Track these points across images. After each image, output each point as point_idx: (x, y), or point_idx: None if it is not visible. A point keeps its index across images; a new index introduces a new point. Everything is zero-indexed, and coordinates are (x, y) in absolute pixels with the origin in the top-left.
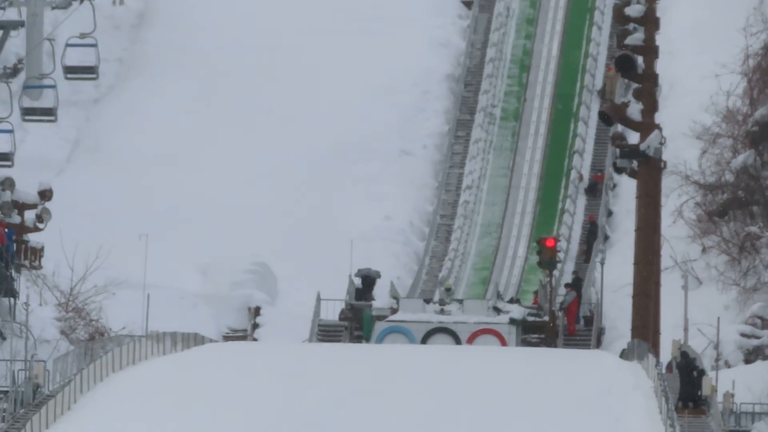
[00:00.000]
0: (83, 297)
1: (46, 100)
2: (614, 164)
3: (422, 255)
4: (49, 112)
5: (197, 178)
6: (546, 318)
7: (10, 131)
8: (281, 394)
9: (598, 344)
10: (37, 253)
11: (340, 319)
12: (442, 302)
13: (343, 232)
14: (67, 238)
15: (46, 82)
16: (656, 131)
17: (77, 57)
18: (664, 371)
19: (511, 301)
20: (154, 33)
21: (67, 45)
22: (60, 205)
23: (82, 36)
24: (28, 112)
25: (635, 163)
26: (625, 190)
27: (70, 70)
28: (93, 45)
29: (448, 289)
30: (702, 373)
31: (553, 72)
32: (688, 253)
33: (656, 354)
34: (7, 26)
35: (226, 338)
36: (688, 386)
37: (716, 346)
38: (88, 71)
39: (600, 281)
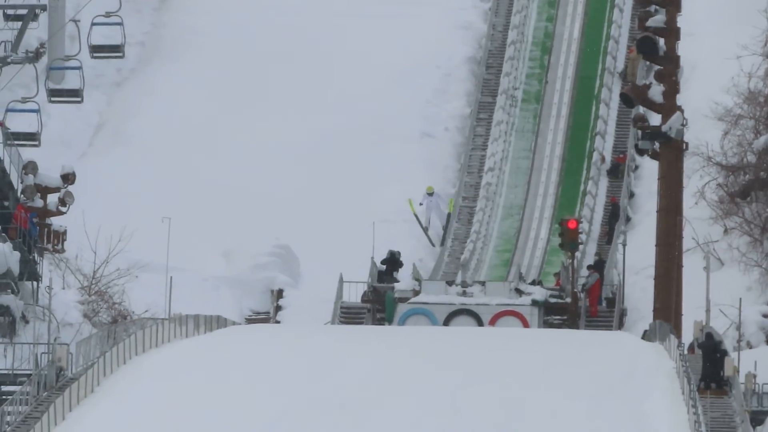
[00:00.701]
0: (106, 280)
1: (70, 82)
2: (636, 146)
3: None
4: (75, 94)
5: (219, 161)
6: (568, 299)
7: (37, 111)
8: (303, 377)
9: (620, 326)
10: (59, 236)
11: (363, 301)
12: (464, 284)
13: (366, 215)
14: (89, 221)
15: (72, 63)
16: (678, 113)
17: (103, 36)
18: (686, 352)
19: (534, 282)
20: (175, 16)
21: (93, 24)
22: (82, 189)
23: (108, 15)
24: (54, 94)
25: (657, 145)
26: (647, 171)
27: (97, 49)
28: (119, 24)
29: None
30: (725, 354)
31: (574, 54)
32: (710, 234)
33: (678, 335)
34: (30, 9)
35: (249, 321)
36: (711, 367)
37: (738, 327)
38: (114, 50)
39: (622, 263)
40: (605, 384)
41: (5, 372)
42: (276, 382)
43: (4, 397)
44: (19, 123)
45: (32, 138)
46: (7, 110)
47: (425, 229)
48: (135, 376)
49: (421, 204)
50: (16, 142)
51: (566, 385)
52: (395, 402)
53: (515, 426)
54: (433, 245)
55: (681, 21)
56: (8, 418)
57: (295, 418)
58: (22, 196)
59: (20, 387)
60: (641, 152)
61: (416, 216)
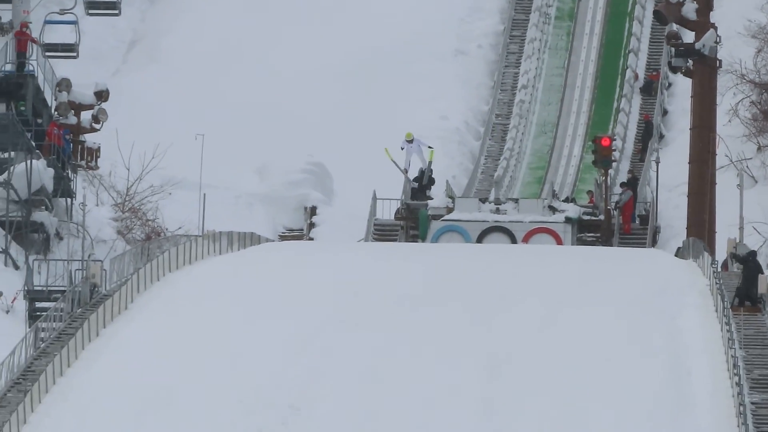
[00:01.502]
0: (139, 197)
1: None
2: (669, 63)
3: (477, 154)
4: (112, 6)
5: (253, 78)
6: (601, 217)
7: (74, 22)
8: (337, 293)
9: (654, 243)
10: (93, 153)
11: (396, 218)
12: (497, 201)
13: (399, 132)
14: (123, 138)
15: None
16: (711, 30)
17: None
18: (719, 269)
19: (567, 200)
20: None
21: None
22: (116, 106)
23: None
24: (92, 6)
25: (690, 62)
26: (680, 89)
27: None
28: None
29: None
30: (759, 271)
31: None
32: (744, 151)
33: (711, 252)
34: None
35: (282, 238)
36: (746, 285)
37: None
38: None
39: (655, 180)
40: (638, 301)
41: (39, 289)
42: (309, 299)
43: (38, 313)
44: (55, 38)
45: (70, 49)
46: (45, 22)
47: (404, 171)
48: (168, 292)
49: (402, 149)
50: (54, 54)
51: (599, 303)
52: (428, 319)
53: (548, 343)
54: (413, 184)
55: None
56: (42, 335)
57: (328, 335)
58: (55, 113)
59: (54, 304)
60: (674, 70)
61: (394, 162)
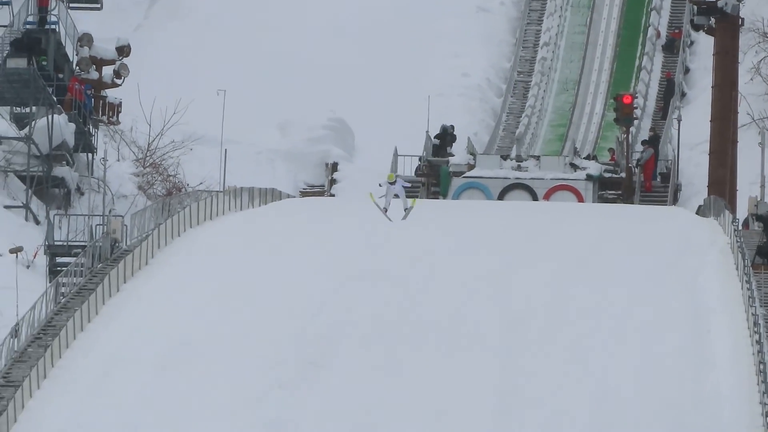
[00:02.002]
0: (161, 152)
1: None
2: (692, 21)
3: (499, 111)
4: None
5: (275, 34)
6: (622, 175)
7: None
8: (358, 249)
9: (675, 201)
10: (114, 108)
11: (417, 175)
12: (519, 158)
13: (421, 89)
14: (144, 93)
15: None
16: None
17: None
18: (740, 228)
19: (588, 157)
20: None
21: None
22: (138, 61)
23: None
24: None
25: (713, 20)
26: (703, 47)
27: None
28: None
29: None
30: None
31: None
32: (765, 109)
33: (732, 211)
34: None
35: (303, 194)
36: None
37: None
38: None
39: (677, 138)
40: (659, 259)
41: (60, 244)
42: (330, 255)
43: (59, 268)
44: None
45: (94, 0)
46: None
47: (383, 210)
48: (189, 248)
49: (380, 185)
50: (78, 5)
51: (620, 260)
52: (448, 275)
53: (568, 300)
54: (390, 220)
55: None
56: (63, 290)
57: (349, 291)
58: (77, 68)
59: (75, 258)
60: (697, 28)
61: (376, 204)
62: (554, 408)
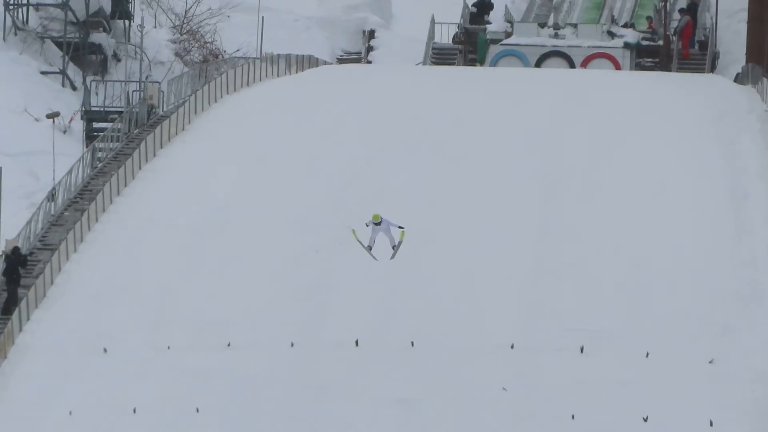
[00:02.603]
0: (198, 19)
1: None
2: None
3: None
4: None
5: None
6: (660, 42)
7: None
8: (396, 115)
9: (713, 68)
10: None
11: (454, 42)
12: (556, 26)
13: None
14: None
15: None
16: None
17: None
18: None
19: (626, 25)
20: None
21: None
22: None
23: None
24: None
25: None
26: None
27: None
28: None
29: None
30: None
31: None
32: None
33: None
34: None
35: (340, 61)
36: None
37: None
38: None
39: (715, 6)
40: (696, 126)
41: (97, 109)
42: (367, 120)
43: (95, 133)
44: None
45: None
46: None
47: (368, 249)
48: (225, 114)
49: (367, 225)
50: None
51: (657, 127)
52: (487, 142)
53: (606, 166)
54: (375, 259)
55: None
56: (99, 155)
57: (386, 157)
58: None
59: (112, 124)
60: None
61: (359, 242)
62: (590, 272)
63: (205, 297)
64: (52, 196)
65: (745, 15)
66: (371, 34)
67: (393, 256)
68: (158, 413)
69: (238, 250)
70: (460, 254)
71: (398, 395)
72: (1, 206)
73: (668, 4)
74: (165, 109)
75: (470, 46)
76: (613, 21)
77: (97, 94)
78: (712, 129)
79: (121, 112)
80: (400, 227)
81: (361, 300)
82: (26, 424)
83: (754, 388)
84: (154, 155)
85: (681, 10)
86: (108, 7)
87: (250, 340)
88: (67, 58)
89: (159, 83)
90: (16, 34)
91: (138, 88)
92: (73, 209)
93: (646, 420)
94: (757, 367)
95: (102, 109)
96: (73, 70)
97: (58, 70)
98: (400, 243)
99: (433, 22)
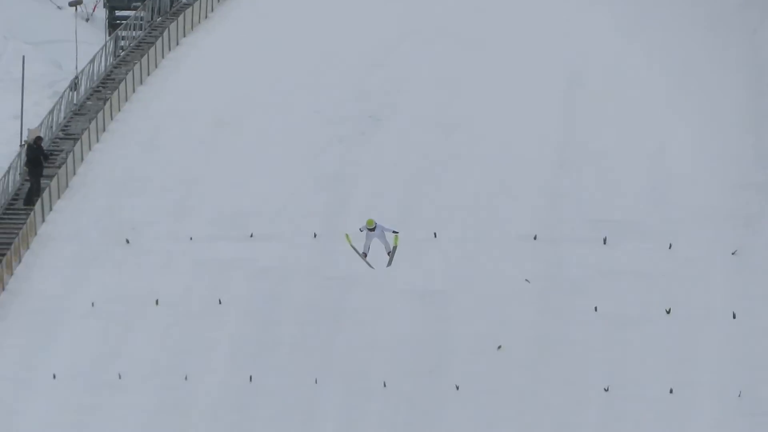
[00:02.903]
0: None
1: None
2: None
3: None
4: None
5: None
6: None
7: None
8: (417, 3)
9: None
10: None
11: None
12: None
13: None
14: None
15: None
16: None
17: None
18: None
19: None
20: None
21: None
22: None
23: None
24: None
25: None
26: None
27: None
28: None
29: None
30: None
31: None
32: None
33: None
34: None
35: None
36: None
37: None
38: None
39: None
40: (719, 15)
41: None
42: (389, 10)
43: (118, 21)
44: None
45: None
46: None
47: (363, 255)
48: (249, 3)
49: (361, 231)
50: None
51: (680, 16)
52: (506, 30)
53: (627, 56)
54: (371, 267)
55: None
56: (122, 43)
57: (406, 47)
58: None
59: (135, 12)
60: None
61: (353, 248)
62: (614, 163)
63: (228, 187)
64: (74, 85)
65: None
66: None
67: (389, 263)
68: (181, 305)
69: (261, 141)
70: (483, 145)
71: (421, 287)
72: (24, 95)
73: None
74: None
75: None
76: None
77: None
78: (735, 17)
79: (144, 0)
80: (394, 232)
81: (384, 191)
82: (49, 316)
83: None
84: (177, 44)
85: None
86: None
87: (273, 231)
88: None
89: None
90: None
91: None
92: (95, 98)
93: (668, 312)
94: None
95: None
96: None
97: None
98: (395, 248)
99: None
